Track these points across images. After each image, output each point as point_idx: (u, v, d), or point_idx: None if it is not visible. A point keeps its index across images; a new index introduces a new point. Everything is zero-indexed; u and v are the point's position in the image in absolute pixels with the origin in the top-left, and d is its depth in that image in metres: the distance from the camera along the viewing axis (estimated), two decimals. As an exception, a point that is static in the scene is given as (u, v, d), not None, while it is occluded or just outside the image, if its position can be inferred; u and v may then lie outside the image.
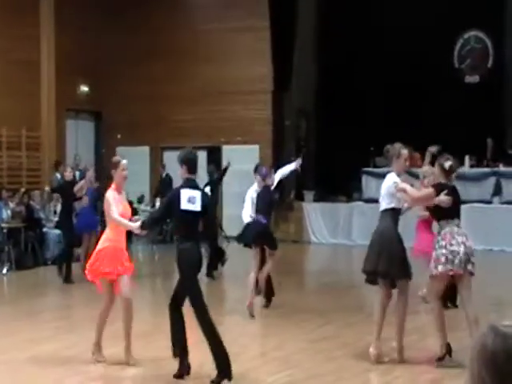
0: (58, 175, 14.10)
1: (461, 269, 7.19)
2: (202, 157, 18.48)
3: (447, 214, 7.38)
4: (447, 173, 7.56)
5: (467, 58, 20.38)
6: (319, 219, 19.61)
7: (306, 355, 7.86)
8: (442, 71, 19.66)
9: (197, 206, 6.70)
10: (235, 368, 7.31)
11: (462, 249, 7.19)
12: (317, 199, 20.00)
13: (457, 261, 7.17)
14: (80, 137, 21.49)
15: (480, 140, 18.32)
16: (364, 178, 19.27)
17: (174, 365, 7.19)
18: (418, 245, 10.08)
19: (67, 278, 13.03)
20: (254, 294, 9.95)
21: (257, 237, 9.90)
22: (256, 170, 10.45)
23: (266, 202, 10.15)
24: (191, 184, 6.81)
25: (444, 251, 7.21)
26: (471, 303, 7.31)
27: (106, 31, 21.03)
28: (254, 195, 10.16)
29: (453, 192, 7.50)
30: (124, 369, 7.25)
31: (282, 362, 7.62)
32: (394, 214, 7.52)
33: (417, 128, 18.26)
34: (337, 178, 19.22)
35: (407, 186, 7.47)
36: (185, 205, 6.66)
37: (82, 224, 13.91)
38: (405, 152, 7.65)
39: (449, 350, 7.33)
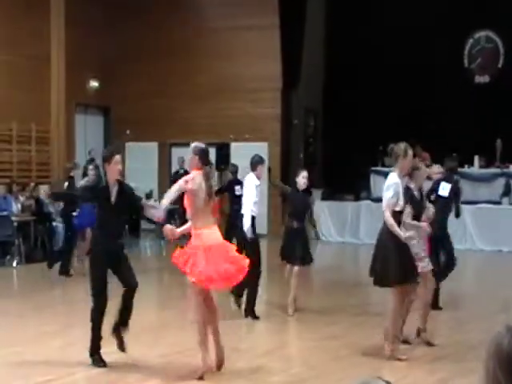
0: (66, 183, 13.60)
1: None
2: (210, 153, 18.56)
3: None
4: None
5: (477, 58, 20.34)
6: (327, 218, 19.63)
7: (312, 354, 7.89)
8: (452, 71, 19.63)
9: None
10: (242, 365, 7.35)
11: None
12: (325, 198, 20.02)
13: None
14: (89, 132, 21.55)
15: (490, 141, 18.30)
16: (372, 177, 19.27)
17: (181, 359, 7.24)
18: None
19: (63, 270, 13.13)
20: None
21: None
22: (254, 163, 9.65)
23: (302, 206, 10.03)
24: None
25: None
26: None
27: (115, 27, 21.09)
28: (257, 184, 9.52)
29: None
30: (131, 366, 7.28)
31: (288, 360, 7.66)
32: (394, 214, 7.51)
33: (426, 128, 18.27)
34: (345, 177, 19.22)
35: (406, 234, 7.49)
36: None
37: (83, 220, 13.71)
38: (411, 153, 7.65)
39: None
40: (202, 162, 6.98)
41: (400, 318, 7.68)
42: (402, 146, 7.61)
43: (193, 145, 7.12)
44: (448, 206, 10.03)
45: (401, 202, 7.47)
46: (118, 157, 7.23)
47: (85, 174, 14.21)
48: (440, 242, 9.59)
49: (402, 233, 7.33)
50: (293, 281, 9.66)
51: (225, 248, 6.96)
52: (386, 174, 17.76)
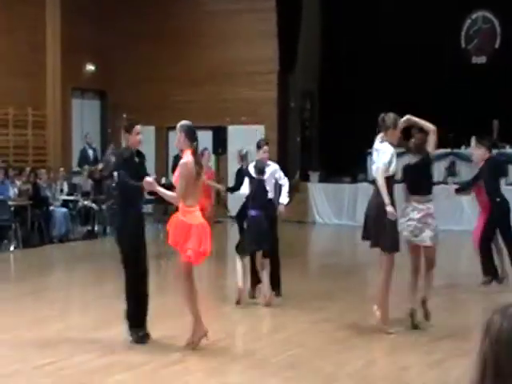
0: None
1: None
2: (207, 137, 18.57)
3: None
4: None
5: (474, 39, 20.27)
6: (324, 200, 19.65)
7: (309, 336, 7.92)
8: (449, 52, 19.58)
9: None
10: (239, 349, 7.39)
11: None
12: (322, 180, 20.02)
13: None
14: (85, 116, 21.51)
15: (486, 121, 18.28)
16: (369, 159, 19.20)
17: (181, 342, 7.27)
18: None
19: None
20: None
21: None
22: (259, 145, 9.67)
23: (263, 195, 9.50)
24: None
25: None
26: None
27: (112, 11, 21.01)
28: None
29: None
30: (130, 348, 7.32)
31: (285, 342, 7.68)
32: (388, 183, 7.60)
33: (423, 109, 18.19)
34: (342, 159, 19.21)
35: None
36: None
37: None
38: (401, 123, 7.77)
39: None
40: (188, 139, 7.17)
41: (389, 286, 7.76)
42: (392, 116, 7.74)
43: (179, 124, 7.32)
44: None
45: (392, 168, 7.63)
46: (138, 127, 7.46)
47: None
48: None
49: (388, 199, 7.46)
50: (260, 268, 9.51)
51: (206, 227, 7.17)
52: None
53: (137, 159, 7.51)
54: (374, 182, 7.94)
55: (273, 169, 9.73)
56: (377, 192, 7.65)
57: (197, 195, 7.16)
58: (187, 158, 7.11)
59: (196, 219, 7.08)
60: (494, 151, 13.26)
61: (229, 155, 19.12)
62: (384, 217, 7.46)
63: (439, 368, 6.79)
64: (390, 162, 7.63)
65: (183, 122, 7.33)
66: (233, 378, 6.41)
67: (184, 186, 7.02)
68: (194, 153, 7.15)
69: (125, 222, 7.38)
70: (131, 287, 7.32)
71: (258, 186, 9.23)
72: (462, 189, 11.59)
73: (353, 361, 6.97)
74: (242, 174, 10.29)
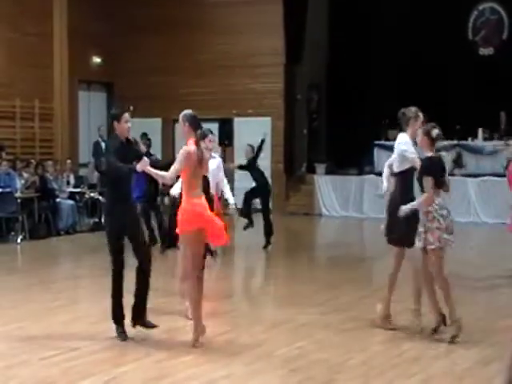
0: None
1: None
2: (213, 129, 18.50)
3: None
4: (433, 142, 7.33)
5: (481, 30, 20.17)
6: (330, 192, 19.63)
7: (316, 327, 7.92)
8: (456, 43, 19.47)
9: None
10: (246, 340, 7.39)
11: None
12: (328, 172, 19.99)
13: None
14: (92, 108, 21.51)
15: (493, 113, 18.21)
16: (376, 151, 19.23)
17: (185, 334, 7.28)
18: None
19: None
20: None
21: None
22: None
23: None
24: None
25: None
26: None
27: (118, 3, 20.98)
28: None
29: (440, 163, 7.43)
30: (136, 340, 7.32)
31: (292, 334, 7.68)
32: (405, 176, 7.50)
33: (430, 101, 18.14)
34: (348, 151, 19.18)
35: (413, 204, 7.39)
36: None
37: None
38: (421, 116, 7.69)
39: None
40: (193, 128, 7.17)
41: (395, 281, 7.73)
42: (413, 109, 7.72)
43: (181, 114, 7.29)
44: None
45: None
46: (126, 115, 7.33)
47: None
48: None
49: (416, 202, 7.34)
50: None
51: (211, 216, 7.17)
52: (389, 148, 17.66)
53: (127, 147, 7.35)
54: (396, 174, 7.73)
55: (217, 162, 9.63)
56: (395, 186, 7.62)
57: (197, 186, 7.12)
58: (189, 146, 7.11)
59: (202, 208, 7.06)
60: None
61: (235, 147, 19.13)
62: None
63: (446, 359, 6.78)
64: (400, 156, 7.56)
65: (185, 112, 7.32)
66: (238, 370, 6.41)
67: (178, 169, 7.00)
68: (198, 142, 7.14)
69: (111, 211, 7.32)
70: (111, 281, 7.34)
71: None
72: None
73: (359, 352, 6.96)
74: None
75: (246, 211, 13.80)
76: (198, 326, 7.11)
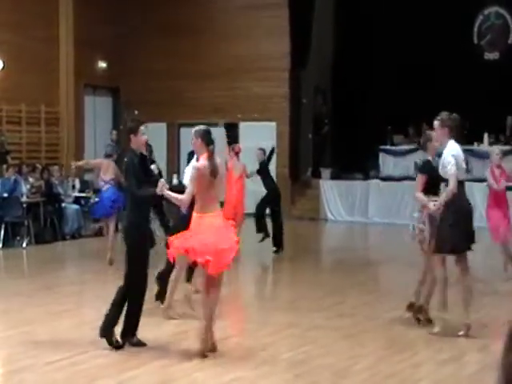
0: None
1: None
2: (219, 133, 18.53)
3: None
4: None
5: (487, 35, 20.16)
6: (336, 197, 19.62)
7: (321, 332, 7.91)
8: (461, 48, 19.47)
9: None
10: (251, 344, 7.38)
11: None
12: (334, 177, 20.00)
13: None
14: (98, 112, 21.55)
15: (499, 118, 18.19)
16: (381, 156, 19.23)
17: (190, 339, 7.27)
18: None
19: None
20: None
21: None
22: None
23: None
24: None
25: None
26: None
27: (124, 7, 21.03)
28: None
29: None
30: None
31: (297, 338, 7.68)
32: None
33: (435, 105, 18.13)
34: (354, 156, 19.18)
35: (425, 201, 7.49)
36: None
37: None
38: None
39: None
40: (205, 144, 7.08)
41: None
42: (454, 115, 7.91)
43: (194, 129, 7.23)
44: None
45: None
46: (142, 127, 7.33)
47: None
48: None
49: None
50: None
51: (222, 229, 6.99)
52: (394, 153, 17.62)
53: (143, 162, 7.34)
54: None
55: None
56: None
57: (212, 200, 6.99)
58: (201, 162, 7.01)
59: (202, 226, 6.89)
60: None
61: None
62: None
63: (452, 365, 6.76)
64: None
65: (198, 127, 7.25)
66: (244, 374, 6.40)
67: (192, 190, 6.94)
68: (211, 156, 7.01)
69: (138, 224, 7.23)
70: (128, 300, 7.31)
71: None
72: None
73: (364, 357, 6.95)
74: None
75: (260, 226, 13.84)
76: (207, 339, 6.94)
